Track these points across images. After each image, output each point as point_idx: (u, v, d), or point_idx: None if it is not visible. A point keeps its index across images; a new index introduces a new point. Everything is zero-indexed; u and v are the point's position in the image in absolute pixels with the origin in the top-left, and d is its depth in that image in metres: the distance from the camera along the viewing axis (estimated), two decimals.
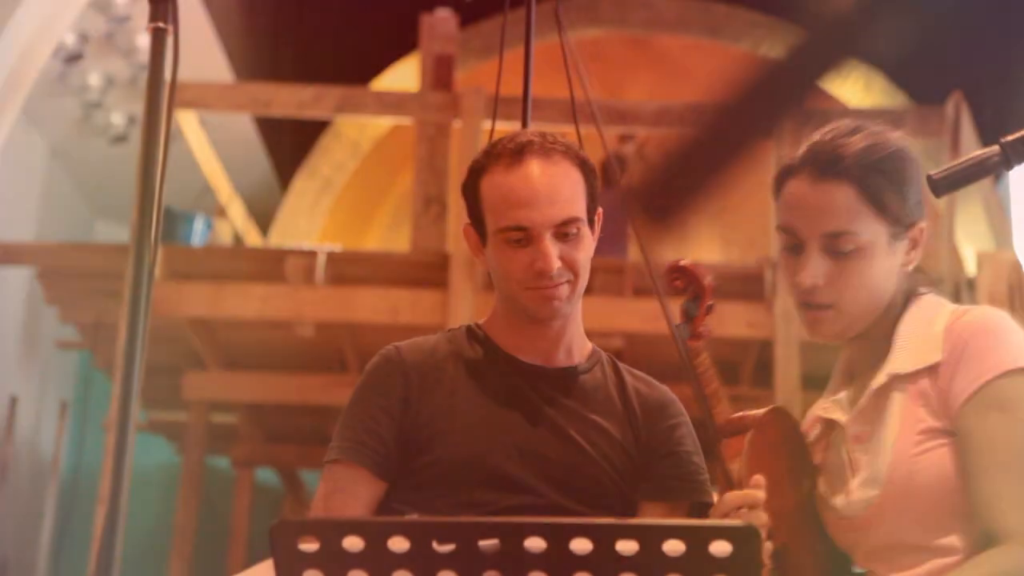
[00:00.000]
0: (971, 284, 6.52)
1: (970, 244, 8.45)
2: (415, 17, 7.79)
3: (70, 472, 9.40)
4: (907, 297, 1.98)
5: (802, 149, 1.98)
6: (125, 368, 1.45)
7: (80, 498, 9.22)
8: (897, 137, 1.97)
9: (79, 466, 9.37)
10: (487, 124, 6.71)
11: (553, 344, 2.14)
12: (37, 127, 9.11)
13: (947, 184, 1.66)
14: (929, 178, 1.67)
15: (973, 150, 1.74)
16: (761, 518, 1.78)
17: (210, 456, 8.72)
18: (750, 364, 7.09)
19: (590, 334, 2.22)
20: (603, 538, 1.27)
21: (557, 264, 2.04)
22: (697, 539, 1.27)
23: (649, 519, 1.95)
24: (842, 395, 2.01)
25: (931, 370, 1.87)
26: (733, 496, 1.81)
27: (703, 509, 2.10)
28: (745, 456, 1.89)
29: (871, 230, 1.90)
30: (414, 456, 2.06)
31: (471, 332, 2.20)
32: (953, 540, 1.82)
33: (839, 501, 1.92)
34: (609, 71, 10.42)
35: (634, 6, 10.43)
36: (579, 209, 2.08)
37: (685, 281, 2.03)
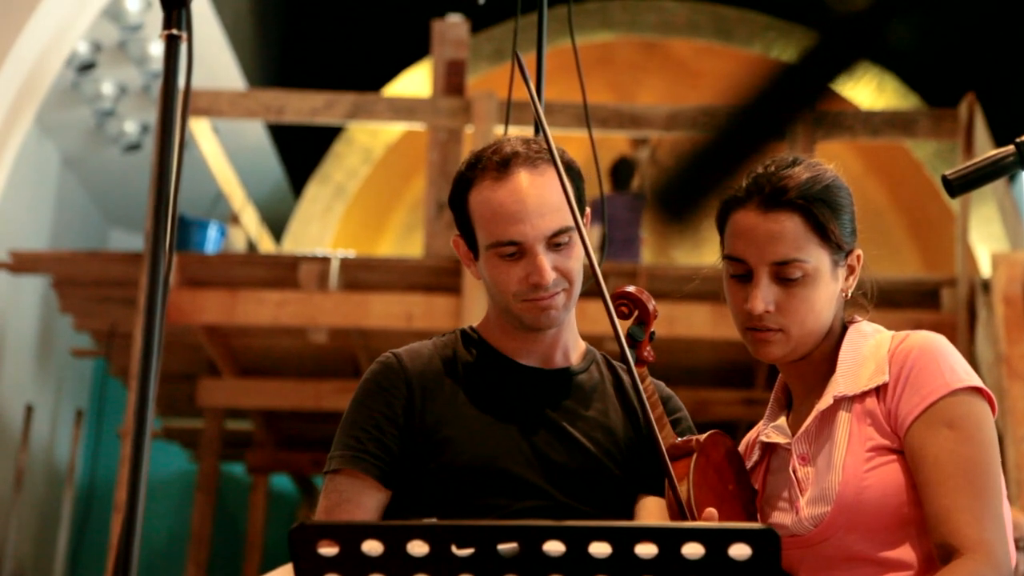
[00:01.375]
0: (986, 285, 6.50)
1: (984, 245, 8.43)
2: (426, 23, 7.80)
3: (86, 479, 9.43)
4: (844, 324, 2.06)
5: (745, 181, 2.04)
6: (141, 376, 1.45)
7: (96, 505, 9.25)
8: (832, 168, 2.05)
9: (95, 473, 9.40)
10: (499, 128, 6.72)
11: (549, 348, 2.14)
12: (50, 136, 9.14)
13: (962, 184, 1.67)
14: (944, 178, 1.68)
15: (987, 152, 1.75)
16: None
17: (225, 463, 8.74)
18: (764, 366, 7.08)
19: (604, 338, 2.22)
20: (622, 542, 1.27)
21: (552, 276, 2.04)
22: (716, 542, 1.26)
23: (669, 523, 1.95)
24: (781, 421, 2.08)
25: (878, 391, 1.95)
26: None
27: None
28: (692, 479, 1.92)
29: (816, 257, 1.97)
30: (420, 463, 2.05)
31: (467, 336, 2.19)
32: (900, 553, 1.88)
33: (787, 519, 1.97)
34: (621, 75, 10.43)
35: (645, 10, 10.44)
36: (569, 217, 2.06)
37: (631, 307, 2.06)
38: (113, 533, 6.32)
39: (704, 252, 10.03)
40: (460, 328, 2.22)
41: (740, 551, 1.26)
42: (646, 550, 1.27)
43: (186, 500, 9.12)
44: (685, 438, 2.00)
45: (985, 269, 7.37)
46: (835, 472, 1.91)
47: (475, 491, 2.02)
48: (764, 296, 1.97)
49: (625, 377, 2.20)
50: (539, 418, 2.09)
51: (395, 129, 9.79)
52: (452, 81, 7.42)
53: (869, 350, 1.99)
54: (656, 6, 10.49)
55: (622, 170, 8.32)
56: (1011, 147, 1.65)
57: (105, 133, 9.05)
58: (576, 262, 2.08)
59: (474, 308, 6.47)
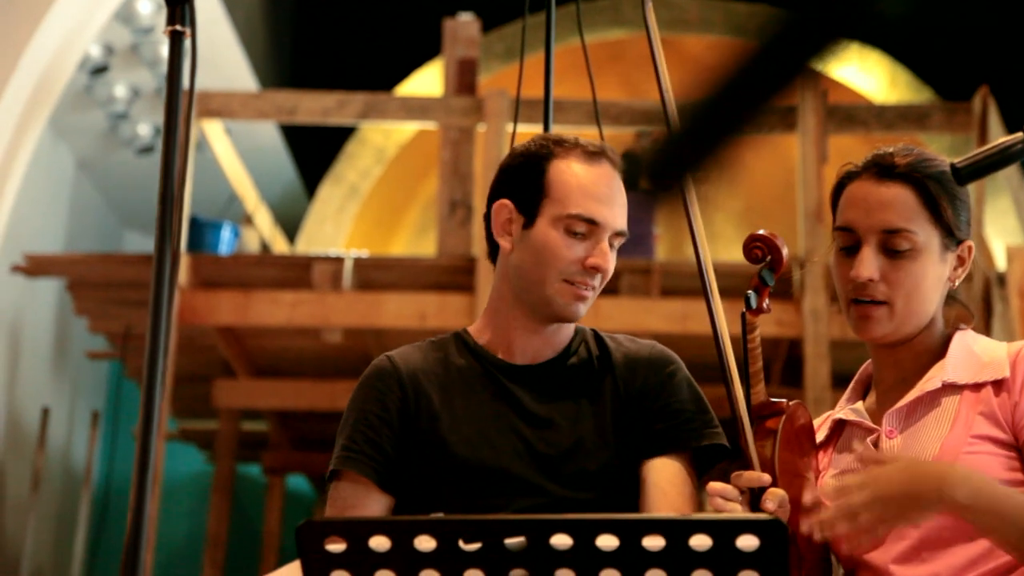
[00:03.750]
0: (1001, 279, 6.47)
1: (999, 238, 8.40)
2: (438, 22, 7.80)
3: (102, 481, 9.45)
4: (952, 327, 2.06)
5: (862, 161, 2.05)
6: (148, 375, 1.45)
7: (112, 506, 9.28)
8: (949, 162, 2.05)
9: (111, 475, 9.42)
10: (511, 127, 6.72)
11: (544, 343, 2.16)
12: (64, 139, 9.17)
13: (969, 173, 1.66)
14: (952, 167, 1.68)
15: (998, 140, 1.74)
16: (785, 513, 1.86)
17: (241, 464, 8.75)
18: (779, 363, 7.06)
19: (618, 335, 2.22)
20: (630, 534, 1.27)
21: (609, 266, 2.10)
22: (724, 534, 1.26)
23: (676, 515, 1.95)
24: (858, 405, 2.07)
25: (996, 385, 1.94)
26: (751, 475, 1.89)
27: (708, 452, 2.10)
28: (779, 439, 1.92)
29: (925, 232, 1.97)
30: (417, 466, 2.07)
31: (459, 338, 2.20)
32: (969, 549, 1.86)
33: None
34: (632, 71, 10.42)
35: (657, 6, 10.36)
36: (626, 224, 2.15)
37: (765, 250, 2.02)
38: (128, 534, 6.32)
39: (718, 248, 10.01)
40: (455, 331, 2.23)
41: (748, 542, 1.25)
42: (654, 543, 1.26)
43: (202, 501, 9.13)
44: (777, 399, 2.00)
45: (1000, 263, 7.34)
46: (929, 446, 1.91)
47: (472, 490, 2.04)
48: (870, 264, 1.97)
49: (613, 346, 2.20)
50: (529, 414, 2.10)
51: (407, 128, 9.79)
52: (464, 80, 7.42)
53: (982, 348, 2.00)
54: (668, 2, 10.47)
55: (627, 165, 8.24)
56: (1019, 135, 1.64)
57: (119, 136, 9.07)
58: (613, 267, 2.13)
59: None
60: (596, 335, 2.23)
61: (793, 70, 0.93)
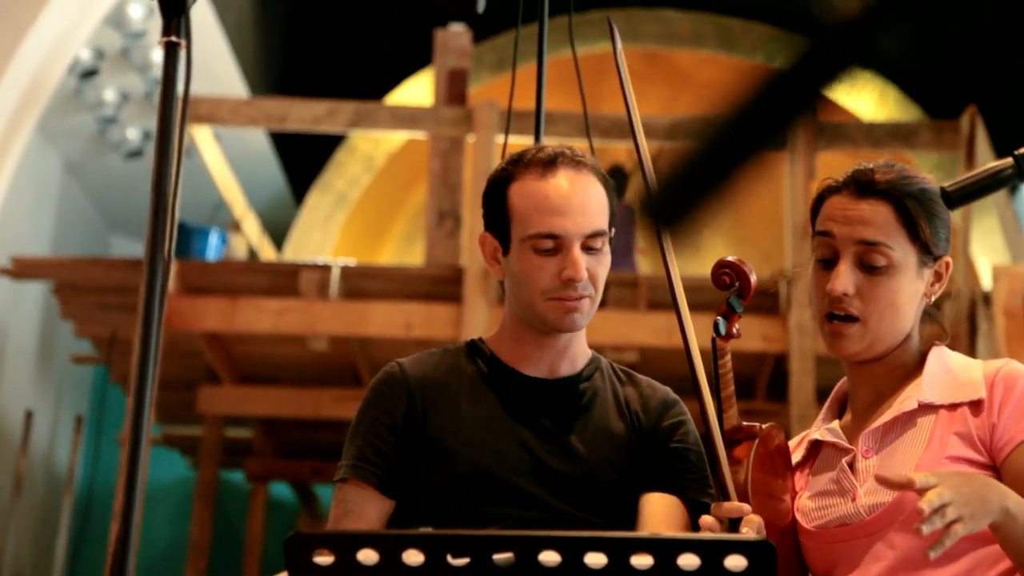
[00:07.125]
0: (987, 298, 6.49)
1: (985, 257, 8.43)
2: (429, 32, 7.81)
3: (85, 486, 9.42)
4: (927, 344, 2.06)
5: (843, 176, 2.06)
6: (138, 382, 1.44)
7: (95, 512, 9.24)
8: (930, 178, 2.07)
9: (94, 480, 9.38)
10: (501, 138, 6.73)
11: (558, 356, 2.16)
12: (52, 143, 9.15)
13: (960, 196, 1.67)
14: (942, 190, 1.69)
15: (987, 164, 1.75)
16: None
17: (225, 470, 8.73)
18: (765, 378, 7.07)
19: (604, 348, 2.23)
20: (618, 552, 1.27)
21: (585, 274, 2.06)
22: (712, 553, 1.26)
23: (664, 533, 1.95)
24: (834, 424, 2.07)
25: (972, 406, 1.94)
26: (731, 506, 1.89)
27: (699, 508, 2.10)
28: (752, 463, 1.93)
29: (903, 249, 1.98)
30: (421, 472, 2.07)
31: (474, 347, 2.21)
32: (949, 569, 1.86)
33: (840, 508, 1.97)
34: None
35: (648, 20, 10.44)
36: (605, 224, 2.12)
37: (733, 276, 2.04)
38: (111, 540, 6.30)
39: (705, 262, 10.02)
40: (470, 339, 2.24)
41: (736, 563, 1.25)
42: (642, 561, 1.26)
43: (185, 507, 9.10)
44: (749, 423, 2.00)
45: (986, 281, 7.37)
46: (905, 466, 1.90)
47: (474, 501, 2.03)
48: (846, 278, 1.97)
49: (629, 381, 2.21)
50: (540, 428, 2.10)
51: (397, 138, 9.79)
52: (454, 90, 7.43)
53: (958, 367, 2.01)
54: (659, 16, 10.49)
55: (615, 179, 8.25)
56: (1010, 160, 1.65)
57: (107, 140, 9.06)
58: (604, 270, 2.12)
59: (474, 317, 6.47)
60: (612, 367, 2.23)
61: (801, 104, 0.94)
